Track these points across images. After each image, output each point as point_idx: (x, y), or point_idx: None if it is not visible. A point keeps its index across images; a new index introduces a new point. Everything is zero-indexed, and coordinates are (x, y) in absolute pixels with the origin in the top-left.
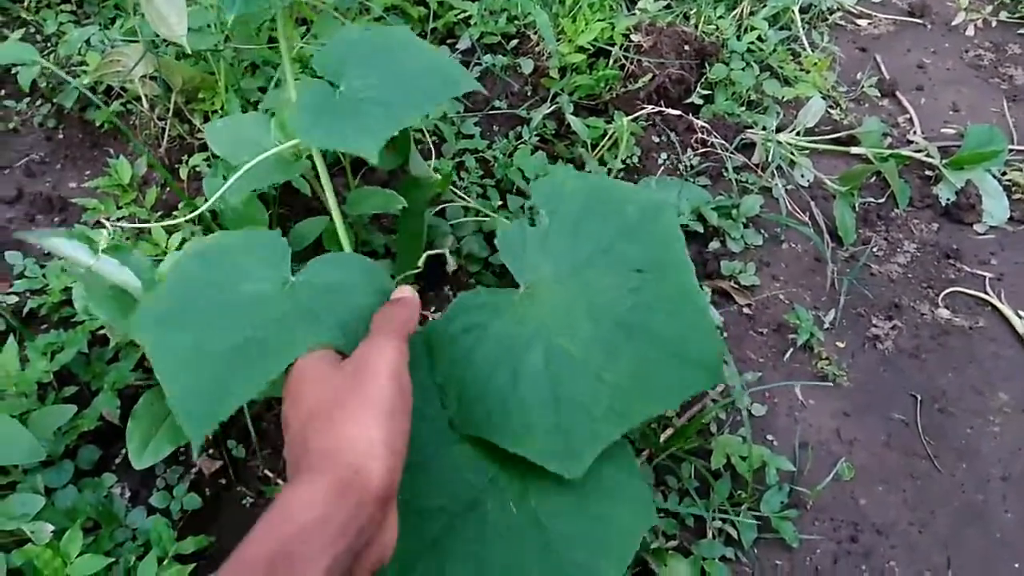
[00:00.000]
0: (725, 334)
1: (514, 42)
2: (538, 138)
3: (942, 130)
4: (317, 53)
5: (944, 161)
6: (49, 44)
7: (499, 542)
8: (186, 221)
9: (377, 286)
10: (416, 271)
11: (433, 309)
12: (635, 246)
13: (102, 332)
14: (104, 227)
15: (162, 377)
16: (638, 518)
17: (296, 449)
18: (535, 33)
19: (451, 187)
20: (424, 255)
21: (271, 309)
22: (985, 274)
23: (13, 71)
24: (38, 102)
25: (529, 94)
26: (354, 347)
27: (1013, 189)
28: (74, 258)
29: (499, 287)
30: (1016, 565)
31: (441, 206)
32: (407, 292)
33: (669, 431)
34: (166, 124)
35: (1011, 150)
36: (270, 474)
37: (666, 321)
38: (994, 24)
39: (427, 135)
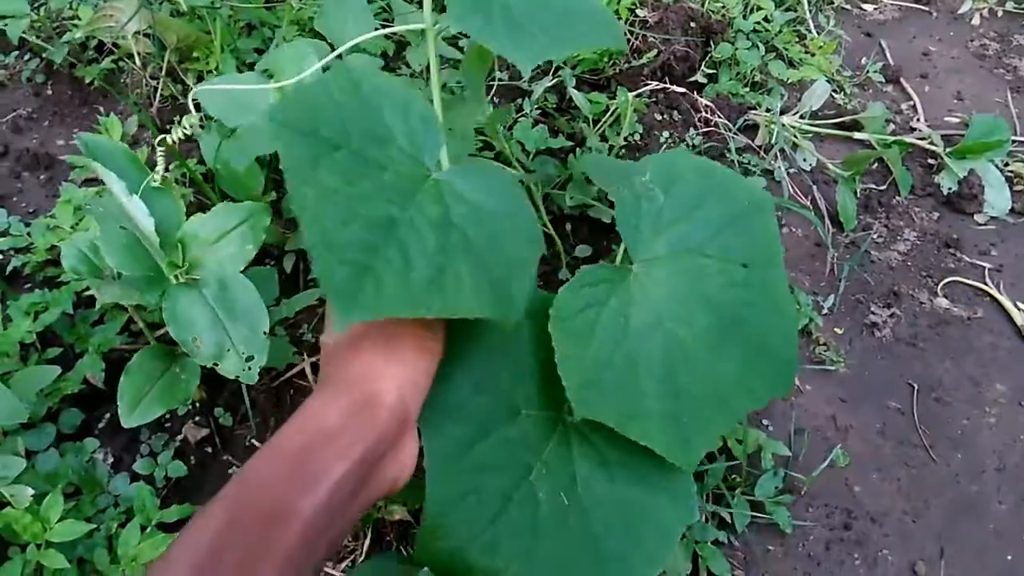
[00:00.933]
0: None
1: None
2: (539, 111)
3: (946, 118)
4: None
5: (947, 150)
6: None
7: (548, 532)
8: (176, 182)
9: (530, 237)
10: None
11: None
12: (742, 239)
13: (88, 293)
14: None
15: (305, 207)
16: (677, 513)
17: (327, 367)
18: None
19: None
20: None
21: (420, 202)
22: (985, 265)
23: (2, 24)
24: (27, 56)
25: None
26: (503, 308)
27: (1015, 180)
28: (113, 189)
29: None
30: (1009, 557)
31: None
32: None
33: None
34: (158, 83)
35: (1014, 141)
36: (257, 444)
37: (766, 322)
38: (1000, 14)
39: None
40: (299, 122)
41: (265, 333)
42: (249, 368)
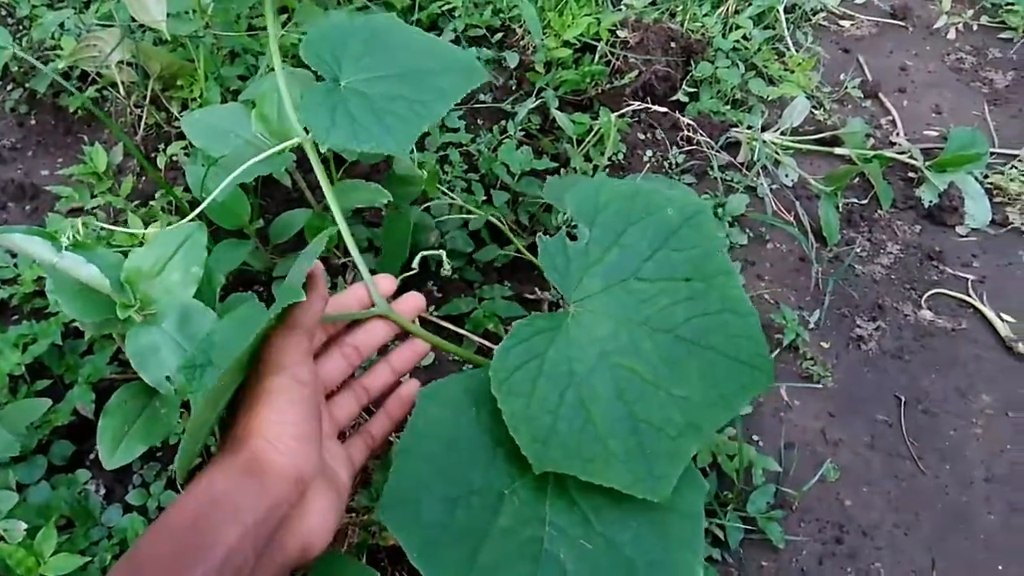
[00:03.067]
0: None
1: (499, 35)
2: (523, 133)
3: (924, 132)
4: (306, 42)
5: (927, 163)
6: (22, 27)
7: None
8: (163, 210)
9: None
10: (412, 272)
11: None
12: (679, 252)
13: (76, 324)
14: (78, 218)
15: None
16: (692, 493)
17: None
18: (520, 27)
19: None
20: (419, 255)
21: None
22: (967, 276)
23: None
24: (9, 87)
25: (514, 88)
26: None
27: (995, 192)
28: (38, 256)
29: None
30: (1000, 567)
31: (426, 203)
32: (317, 272)
33: None
34: (143, 112)
35: (992, 153)
36: None
37: (720, 329)
38: (975, 28)
39: None
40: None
41: None
42: None
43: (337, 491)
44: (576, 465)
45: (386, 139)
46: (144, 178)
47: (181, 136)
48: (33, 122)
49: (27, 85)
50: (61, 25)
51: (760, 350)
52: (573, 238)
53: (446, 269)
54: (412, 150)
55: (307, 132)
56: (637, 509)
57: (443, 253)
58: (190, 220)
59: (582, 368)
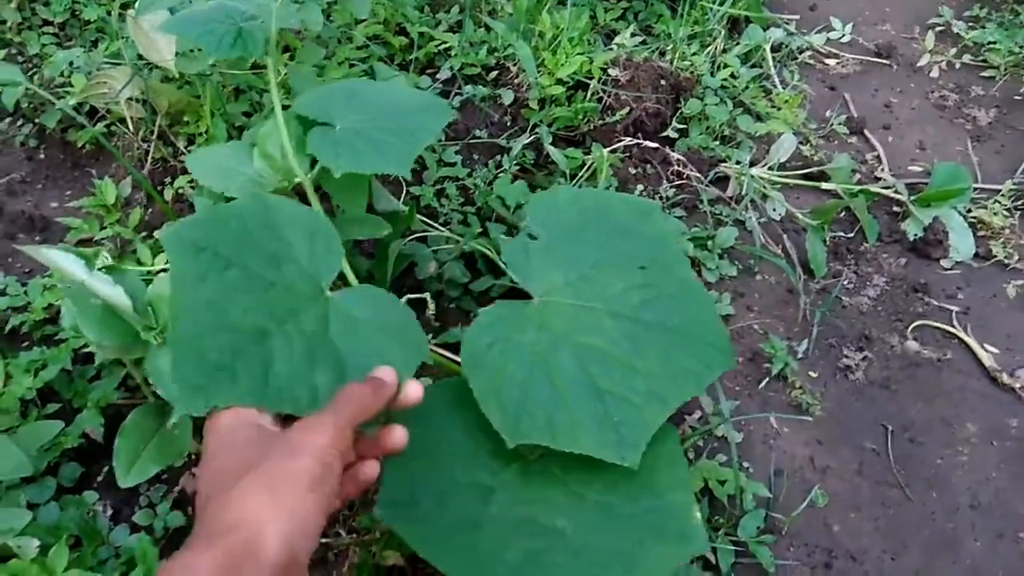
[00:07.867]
0: None
1: (494, 73)
2: (518, 167)
3: (909, 168)
4: (299, 101)
5: (912, 198)
6: (32, 65)
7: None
8: None
9: (412, 348)
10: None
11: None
12: (633, 243)
13: (85, 350)
14: (88, 248)
15: (180, 314)
16: (670, 443)
17: (200, 515)
18: (515, 65)
19: (422, 217)
20: (405, 299)
21: (301, 317)
22: (952, 308)
23: None
24: (19, 122)
25: (509, 124)
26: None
27: (978, 226)
28: (69, 271)
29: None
30: None
31: (423, 233)
32: (385, 374)
33: None
34: (150, 146)
35: (975, 188)
36: None
37: (677, 312)
38: (957, 66)
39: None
40: (200, 239)
41: None
42: None
43: None
44: (547, 435)
45: (385, 161)
46: (151, 210)
47: (187, 170)
48: (42, 156)
49: (37, 121)
50: (71, 63)
51: (719, 331)
52: (534, 239)
53: (430, 310)
54: (404, 185)
55: (306, 171)
56: (621, 473)
57: (427, 295)
58: None
59: (548, 348)
